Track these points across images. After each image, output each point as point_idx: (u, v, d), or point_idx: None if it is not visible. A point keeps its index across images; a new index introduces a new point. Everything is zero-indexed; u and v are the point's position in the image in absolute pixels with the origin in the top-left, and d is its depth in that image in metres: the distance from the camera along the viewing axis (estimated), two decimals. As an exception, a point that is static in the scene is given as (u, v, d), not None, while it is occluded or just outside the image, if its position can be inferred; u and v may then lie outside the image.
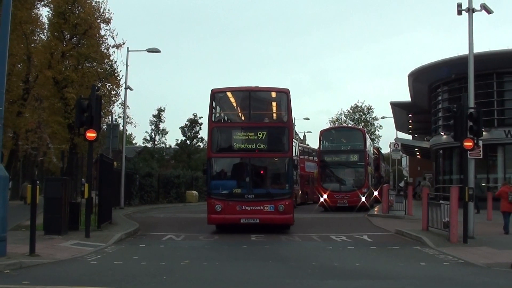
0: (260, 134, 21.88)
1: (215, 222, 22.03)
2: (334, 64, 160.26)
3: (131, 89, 36.78)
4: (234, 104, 24.53)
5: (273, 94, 23.75)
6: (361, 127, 67.48)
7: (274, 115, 24.33)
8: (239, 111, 24.47)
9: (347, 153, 38.12)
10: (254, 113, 22.98)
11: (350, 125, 75.16)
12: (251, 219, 21.12)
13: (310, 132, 79.87)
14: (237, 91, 23.67)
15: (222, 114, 24.31)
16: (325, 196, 36.15)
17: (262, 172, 22.70)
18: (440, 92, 43.66)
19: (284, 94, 22.41)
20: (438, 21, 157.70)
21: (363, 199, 35.53)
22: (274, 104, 24.30)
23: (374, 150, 48.80)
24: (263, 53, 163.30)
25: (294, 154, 26.22)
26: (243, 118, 23.86)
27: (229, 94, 23.84)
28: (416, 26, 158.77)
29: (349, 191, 36.40)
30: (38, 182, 14.69)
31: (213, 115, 22.41)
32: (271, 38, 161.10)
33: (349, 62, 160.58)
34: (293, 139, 27.61)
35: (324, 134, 39.14)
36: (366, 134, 40.81)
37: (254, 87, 23.07)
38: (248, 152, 21.80)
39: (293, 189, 23.72)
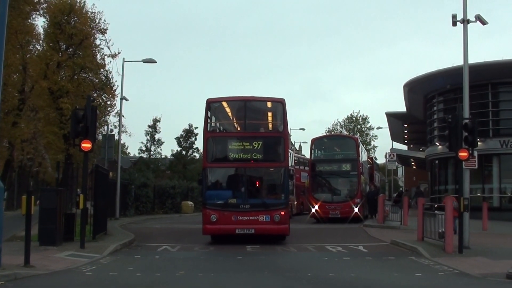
0: (255, 144, 21.74)
1: (210, 233, 21.79)
2: (327, 74, 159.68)
3: (126, 100, 36.77)
4: (230, 114, 24.42)
5: (269, 104, 23.57)
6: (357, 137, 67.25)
7: (270, 125, 24.08)
8: (235, 121, 24.41)
9: (339, 162, 36.64)
10: (250, 123, 22.84)
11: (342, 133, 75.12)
12: (246, 230, 20.89)
13: (306, 142, 79.87)
14: (233, 101, 23.55)
15: (218, 124, 24.25)
16: (316, 207, 34.94)
17: (257, 182, 22.53)
18: (435, 102, 43.73)
19: (279, 104, 22.29)
20: (432, 31, 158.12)
21: (356, 209, 34.27)
22: (269, 114, 24.15)
23: (368, 159, 48.16)
24: (256, 63, 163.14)
25: (290, 164, 26.03)
26: (238, 128, 23.72)
27: (224, 104, 23.66)
28: (409, 37, 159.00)
29: (342, 201, 35.09)
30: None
31: (209, 125, 22.27)
32: (263, 49, 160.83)
33: (342, 72, 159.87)
34: (289, 149, 27.48)
35: (315, 142, 37.75)
36: (359, 143, 39.80)
37: (249, 97, 23.03)
38: (244, 162, 21.69)
39: (289, 199, 23.55)
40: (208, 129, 22.18)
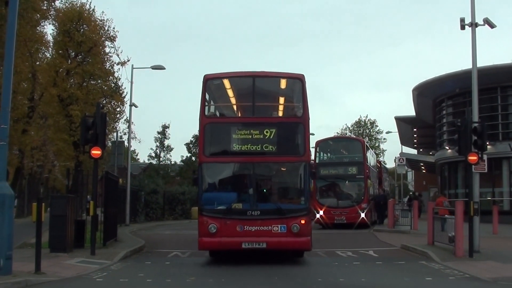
0: (267, 132, 17.19)
1: (208, 248, 17.52)
2: (331, 78, 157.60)
3: (136, 106, 36.92)
4: (234, 94, 19.75)
5: (284, 82, 18.86)
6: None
7: (286, 108, 19.65)
8: (240, 103, 19.75)
9: (345, 165, 35.51)
10: (260, 106, 18.28)
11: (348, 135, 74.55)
12: (256, 243, 16.56)
13: (313, 147, 79.60)
14: (238, 77, 18.74)
15: (218, 108, 20.09)
16: (321, 212, 33.73)
17: (270, 181, 18.35)
18: (444, 106, 43.73)
19: (298, 81, 17.74)
20: (439, 33, 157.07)
21: (363, 215, 33.16)
22: (285, 94, 19.53)
23: (377, 163, 47.15)
24: (261, 67, 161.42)
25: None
26: (245, 112, 19.53)
27: (226, 81, 18.90)
28: (415, 39, 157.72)
29: (348, 206, 33.89)
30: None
31: (207, 108, 18.04)
32: (268, 53, 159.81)
33: (347, 76, 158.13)
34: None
35: (320, 145, 36.08)
36: (366, 145, 38.53)
37: (259, 72, 18.17)
38: (252, 156, 17.19)
39: (310, 203, 19.38)
40: (206, 113, 17.80)
